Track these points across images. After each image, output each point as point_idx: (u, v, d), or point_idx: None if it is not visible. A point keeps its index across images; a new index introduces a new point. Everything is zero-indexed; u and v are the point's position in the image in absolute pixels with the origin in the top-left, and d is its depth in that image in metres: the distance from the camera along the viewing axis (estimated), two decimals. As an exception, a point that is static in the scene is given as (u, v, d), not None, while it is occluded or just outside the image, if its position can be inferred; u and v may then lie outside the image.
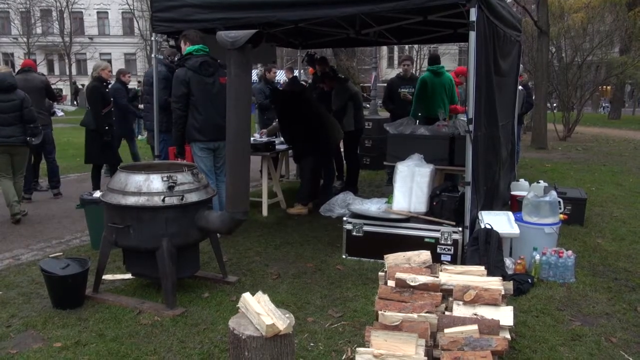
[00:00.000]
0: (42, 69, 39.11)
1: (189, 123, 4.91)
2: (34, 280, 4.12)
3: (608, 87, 28.40)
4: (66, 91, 37.93)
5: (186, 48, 4.89)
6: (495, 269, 3.80)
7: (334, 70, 7.20)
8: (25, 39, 37.84)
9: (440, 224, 4.39)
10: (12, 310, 3.58)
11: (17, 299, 3.78)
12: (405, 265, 3.27)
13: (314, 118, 6.18)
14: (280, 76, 18.28)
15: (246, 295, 2.57)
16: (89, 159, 6.78)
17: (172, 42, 5.89)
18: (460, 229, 4.30)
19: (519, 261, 4.16)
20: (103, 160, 6.96)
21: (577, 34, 16.52)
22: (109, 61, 45.54)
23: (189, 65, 4.79)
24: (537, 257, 4.13)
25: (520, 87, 7.82)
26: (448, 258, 4.31)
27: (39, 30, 39.89)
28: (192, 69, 4.78)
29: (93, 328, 3.32)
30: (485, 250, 3.93)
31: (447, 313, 2.96)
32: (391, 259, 3.38)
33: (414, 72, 8.34)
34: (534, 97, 11.66)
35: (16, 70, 7.14)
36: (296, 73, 11.30)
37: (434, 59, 7.42)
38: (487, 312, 2.88)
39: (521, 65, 9.60)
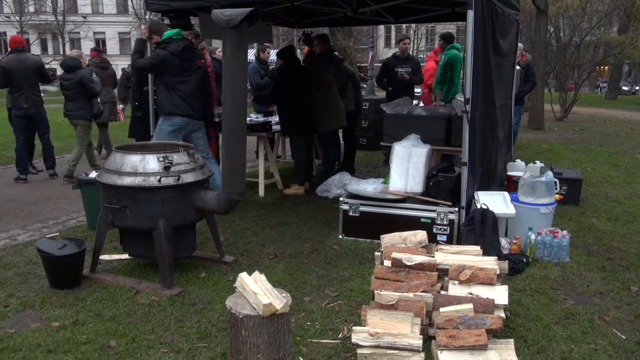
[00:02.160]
0: (36, 48, 38.63)
1: (166, 98, 5.02)
2: (31, 260, 4.12)
3: (606, 67, 28.31)
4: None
5: (164, 33, 4.96)
6: (490, 248, 3.83)
7: (332, 49, 7.11)
8: (17, 18, 37.27)
9: (437, 204, 4.40)
10: (10, 290, 3.59)
11: (15, 279, 3.79)
12: (401, 245, 3.29)
13: (308, 95, 6.13)
14: (274, 56, 18.10)
15: (243, 275, 2.58)
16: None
17: (166, 21, 5.82)
18: (456, 209, 4.32)
19: (514, 241, 4.19)
20: (134, 135, 7.04)
21: (575, 13, 16.38)
22: (103, 40, 45.21)
23: (172, 49, 4.87)
24: (533, 237, 4.16)
25: (518, 67, 7.77)
26: (444, 238, 4.33)
27: (31, 9, 39.28)
28: (175, 54, 4.86)
29: (91, 308, 3.33)
30: (481, 230, 3.95)
31: (442, 292, 2.99)
32: (387, 239, 3.40)
33: (410, 52, 8.26)
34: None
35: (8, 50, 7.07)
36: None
37: (452, 37, 7.46)
38: (482, 291, 2.90)
39: (521, 45, 9.53)
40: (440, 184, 4.48)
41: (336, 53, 7.37)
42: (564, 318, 3.21)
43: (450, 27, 31.04)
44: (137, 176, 3.44)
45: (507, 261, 3.27)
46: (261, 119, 6.92)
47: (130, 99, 7.39)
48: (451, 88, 7.18)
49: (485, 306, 2.77)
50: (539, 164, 5.55)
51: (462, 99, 4.32)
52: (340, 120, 6.57)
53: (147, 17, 5.50)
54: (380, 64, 8.01)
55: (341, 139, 7.59)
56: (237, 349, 2.44)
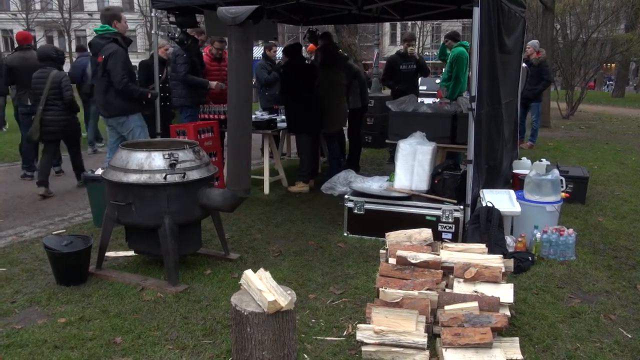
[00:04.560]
0: (42, 45, 38.65)
1: None
2: (38, 257, 4.15)
3: (612, 65, 28.15)
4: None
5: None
6: (496, 246, 3.81)
7: (337, 47, 7.11)
8: (24, 15, 37.41)
9: (442, 202, 4.39)
10: (17, 287, 3.61)
11: (21, 275, 3.81)
12: (406, 243, 3.28)
13: (314, 93, 6.14)
14: (281, 53, 18.10)
15: (248, 272, 2.59)
16: None
17: (172, 18, 5.82)
18: (461, 207, 4.31)
19: (519, 239, 4.18)
20: None
21: (582, 11, 16.30)
22: (109, 38, 45.27)
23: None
24: (538, 235, 4.14)
25: (523, 65, 7.73)
26: (449, 236, 4.32)
27: (37, 7, 39.40)
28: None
29: (97, 304, 3.35)
30: (486, 228, 3.94)
31: (447, 290, 2.99)
32: (392, 236, 3.40)
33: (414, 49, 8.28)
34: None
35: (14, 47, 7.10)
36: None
37: (458, 35, 7.53)
38: (488, 290, 2.90)
39: (537, 42, 9.43)
40: (446, 181, 4.47)
41: (340, 50, 7.38)
42: (569, 316, 3.20)
43: (455, 25, 30.98)
44: (142, 173, 3.45)
45: (512, 259, 3.27)
46: (266, 116, 6.93)
47: None
48: (457, 85, 7.17)
49: (490, 304, 2.77)
50: (544, 162, 5.53)
51: (468, 97, 4.31)
52: (343, 121, 6.61)
53: (152, 14, 5.49)
54: (385, 62, 7.99)
55: (346, 136, 7.60)
56: (242, 345, 2.45)
